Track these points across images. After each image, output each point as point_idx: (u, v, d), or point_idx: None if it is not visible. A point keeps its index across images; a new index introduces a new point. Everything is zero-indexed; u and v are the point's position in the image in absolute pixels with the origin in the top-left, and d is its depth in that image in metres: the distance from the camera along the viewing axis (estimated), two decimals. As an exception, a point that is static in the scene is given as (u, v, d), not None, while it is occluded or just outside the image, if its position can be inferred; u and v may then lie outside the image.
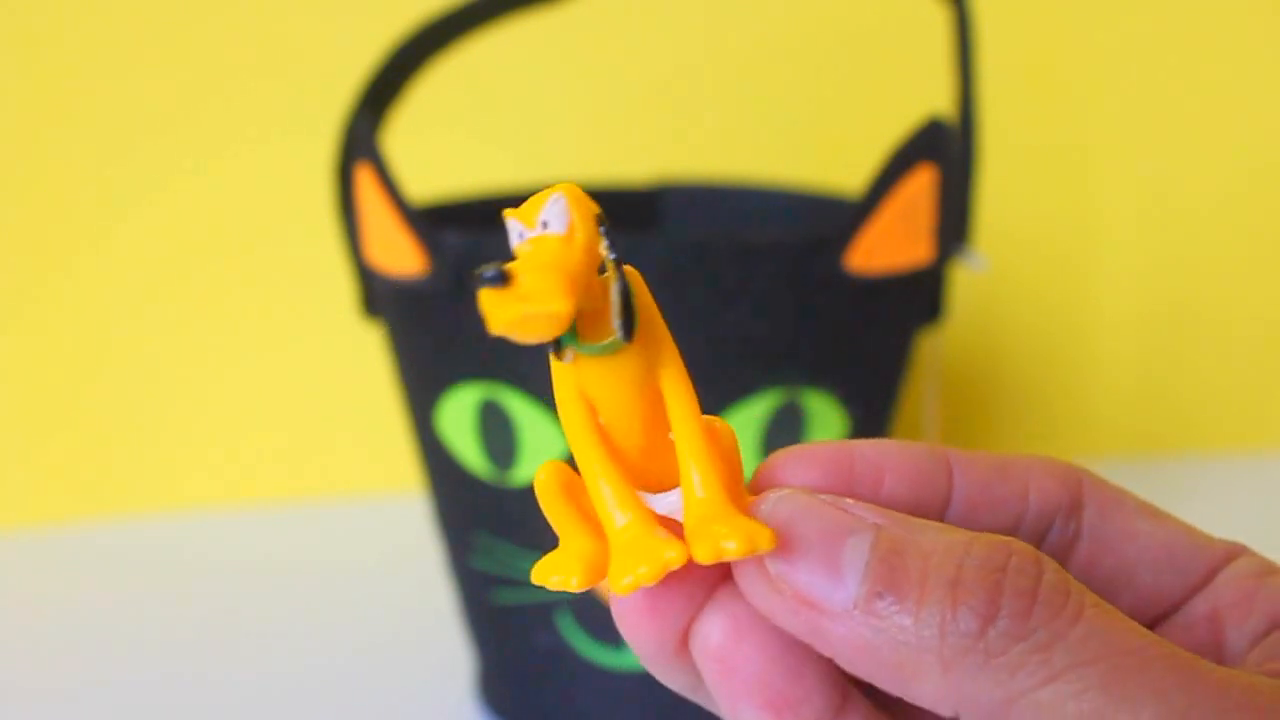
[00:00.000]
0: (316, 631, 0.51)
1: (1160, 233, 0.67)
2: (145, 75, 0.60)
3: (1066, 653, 0.17)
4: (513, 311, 0.17)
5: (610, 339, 0.19)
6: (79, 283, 0.61)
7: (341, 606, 0.53)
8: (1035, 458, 0.22)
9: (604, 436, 0.19)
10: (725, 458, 0.20)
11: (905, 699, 0.18)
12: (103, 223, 0.61)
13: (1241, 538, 0.22)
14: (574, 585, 0.19)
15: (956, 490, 0.21)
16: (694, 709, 0.22)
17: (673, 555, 0.18)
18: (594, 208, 0.18)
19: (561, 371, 0.20)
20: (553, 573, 0.19)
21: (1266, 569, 0.21)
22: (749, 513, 0.19)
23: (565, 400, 0.20)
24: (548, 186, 0.19)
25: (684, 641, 0.19)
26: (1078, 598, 0.17)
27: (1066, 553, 0.22)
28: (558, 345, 0.19)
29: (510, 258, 0.18)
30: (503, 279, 0.17)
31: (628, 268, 0.19)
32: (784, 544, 0.18)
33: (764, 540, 0.18)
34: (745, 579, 0.19)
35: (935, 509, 0.21)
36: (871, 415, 0.41)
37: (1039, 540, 0.22)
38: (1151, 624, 0.22)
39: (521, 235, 0.18)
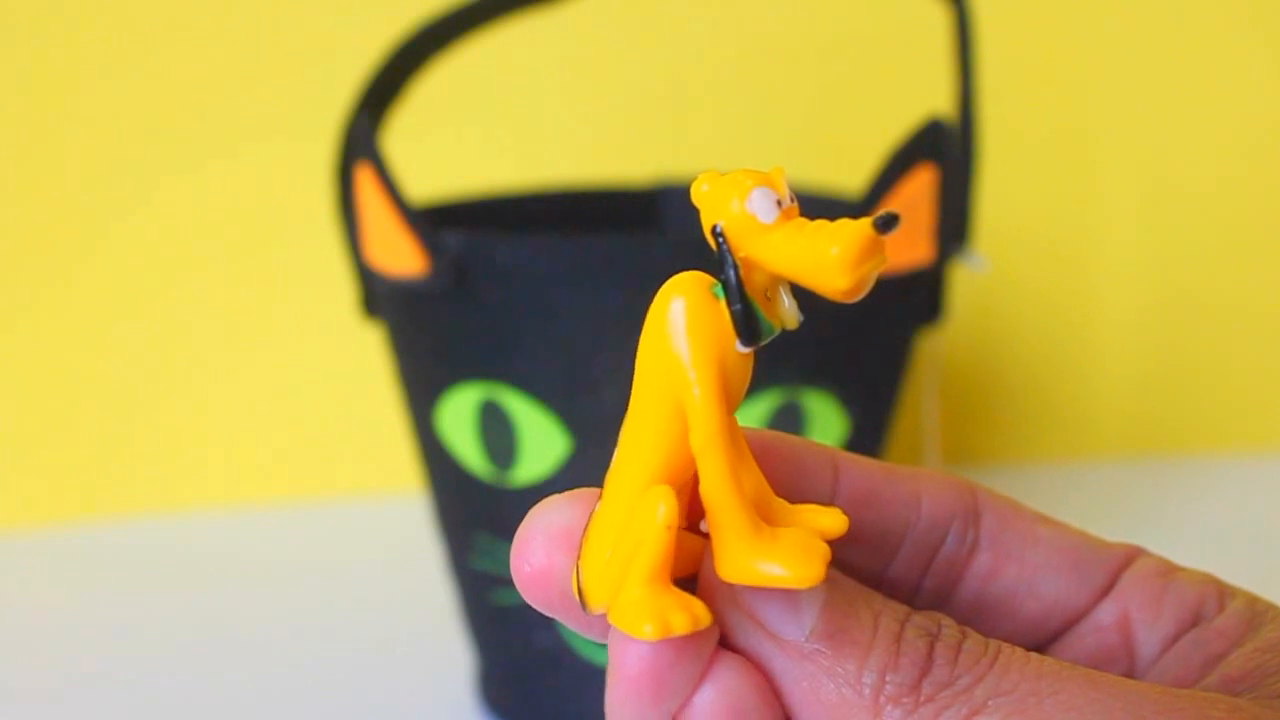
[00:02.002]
0: (317, 631, 0.51)
1: (1162, 233, 0.67)
2: (144, 76, 0.60)
3: (985, 688, 0.18)
4: (880, 262, 0.17)
5: (780, 327, 0.19)
6: (78, 283, 0.61)
7: (341, 606, 0.53)
8: (927, 470, 0.22)
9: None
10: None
11: None
12: (103, 223, 0.61)
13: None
14: (695, 625, 0.18)
15: (842, 488, 0.21)
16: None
17: (824, 548, 0.18)
18: None
19: (711, 359, 0.18)
20: (644, 621, 0.17)
21: (1167, 568, 0.22)
22: None
23: (719, 392, 0.18)
24: (703, 175, 0.18)
25: None
26: (995, 646, 0.19)
27: (966, 562, 0.22)
28: (762, 328, 0.18)
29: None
30: (895, 227, 0.17)
31: None
32: None
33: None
34: (712, 589, 0.19)
35: (816, 499, 0.21)
36: (871, 415, 0.41)
37: (934, 548, 0.22)
38: (1060, 631, 0.22)
39: (780, 203, 0.18)
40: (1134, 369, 0.68)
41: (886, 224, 0.17)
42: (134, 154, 0.60)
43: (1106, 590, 0.22)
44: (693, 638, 0.18)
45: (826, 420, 0.39)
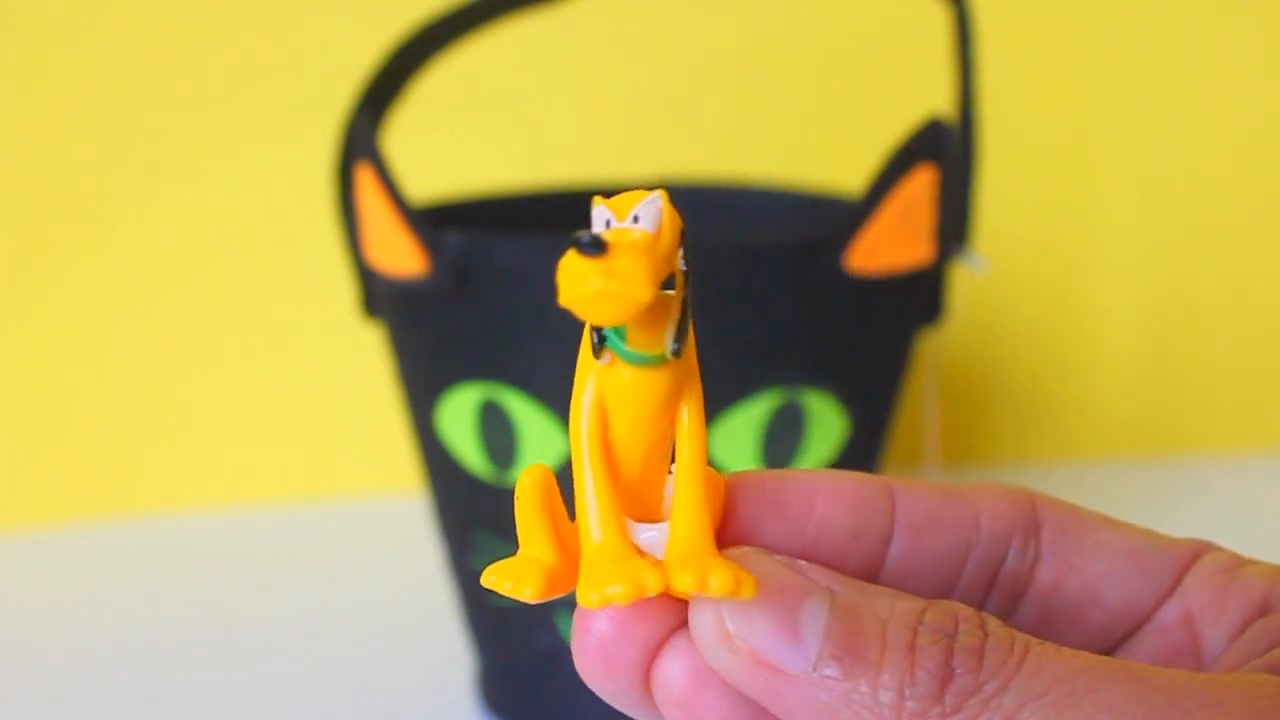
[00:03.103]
0: (316, 631, 0.51)
1: (1161, 233, 0.67)
2: (144, 78, 0.60)
3: (1016, 694, 0.17)
4: (596, 284, 0.17)
5: (657, 352, 0.18)
6: (79, 284, 0.61)
7: (341, 606, 0.53)
8: (984, 483, 0.22)
9: (608, 449, 0.19)
10: (717, 508, 0.20)
11: None
12: (104, 225, 0.61)
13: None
14: (528, 595, 0.19)
15: (900, 516, 0.21)
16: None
17: (651, 580, 0.18)
18: (680, 222, 0.18)
19: (586, 372, 0.19)
20: (506, 579, 0.19)
21: (1234, 563, 0.21)
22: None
23: (582, 402, 0.19)
24: (642, 185, 0.18)
25: (644, 686, 0.19)
26: (1022, 643, 0.18)
27: (1029, 576, 0.21)
28: (600, 342, 0.18)
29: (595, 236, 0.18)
30: (600, 247, 0.17)
31: None
32: (745, 602, 0.18)
33: (748, 586, 0.18)
34: (702, 634, 0.18)
35: (877, 533, 0.21)
36: (871, 415, 0.41)
37: (996, 565, 0.21)
38: (1125, 636, 0.21)
39: (609, 224, 0.18)
40: (1134, 369, 0.68)
41: (585, 244, 0.17)
42: (136, 156, 0.60)
43: (1171, 590, 0.21)
44: (636, 615, 0.19)
45: (826, 420, 0.39)
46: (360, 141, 0.40)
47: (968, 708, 0.17)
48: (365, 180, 0.40)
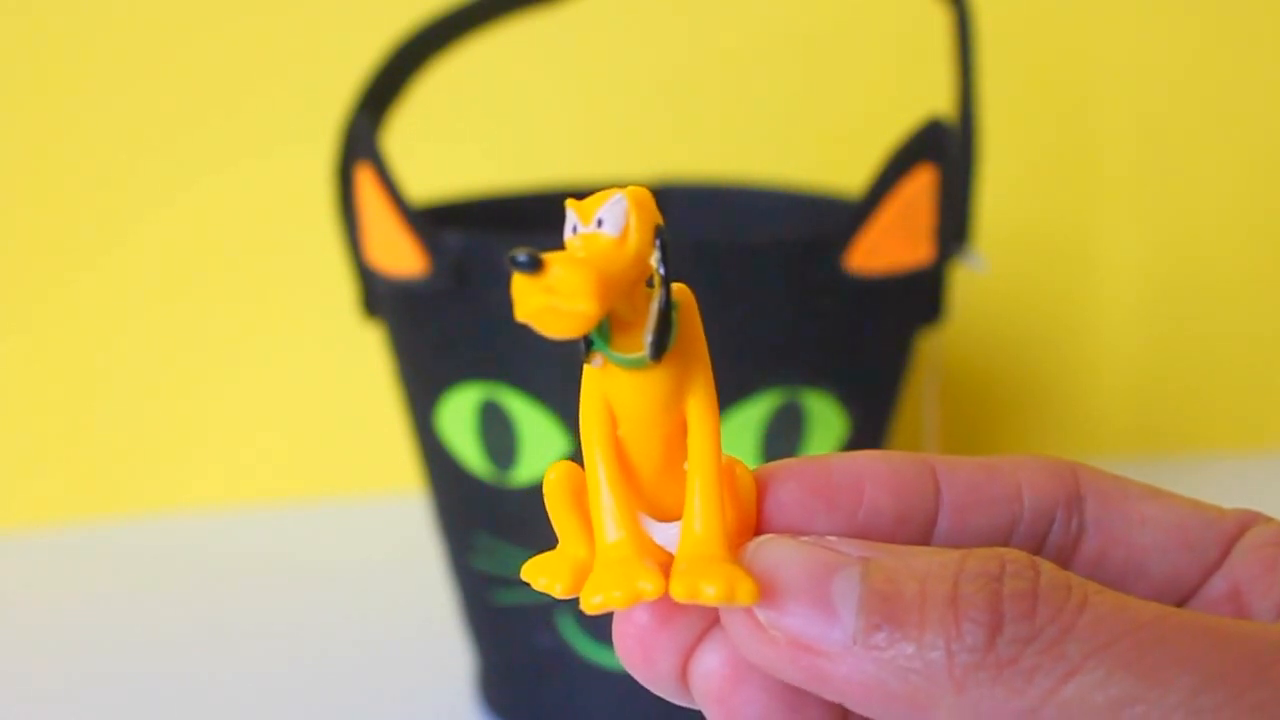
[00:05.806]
0: (316, 631, 0.51)
1: (1161, 233, 0.67)
2: (147, 81, 0.60)
3: (1080, 643, 0.16)
4: (537, 301, 0.17)
5: (639, 354, 0.18)
6: (81, 285, 0.61)
7: (341, 606, 0.53)
8: (1026, 456, 0.21)
9: (619, 449, 0.19)
10: (738, 502, 0.19)
11: None
12: (103, 226, 0.61)
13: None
14: (558, 591, 0.19)
15: (944, 496, 0.20)
16: (695, 711, 0.22)
17: (648, 586, 0.17)
18: (656, 218, 0.18)
19: (591, 373, 0.19)
20: (541, 574, 0.19)
21: None
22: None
23: (588, 403, 0.19)
24: (614, 185, 0.18)
25: (683, 677, 0.19)
26: (1080, 587, 0.17)
27: (1072, 549, 0.21)
28: (588, 347, 0.18)
29: (560, 246, 0.18)
30: (534, 265, 0.16)
31: (682, 288, 0.19)
32: (770, 591, 0.18)
33: (744, 592, 0.17)
34: (736, 631, 0.18)
35: (922, 515, 0.20)
36: (871, 415, 0.41)
37: (1040, 540, 0.21)
38: None
39: (575, 229, 0.18)
40: (1134, 369, 0.68)
41: (520, 263, 0.17)
42: (137, 158, 0.60)
43: (1218, 564, 0.20)
44: (676, 608, 0.19)
45: (826, 420, 0.39)
46: (360, 142, 0.40)
47: (1026, 657, 0.16)
48: (365, 180, 0.40)
